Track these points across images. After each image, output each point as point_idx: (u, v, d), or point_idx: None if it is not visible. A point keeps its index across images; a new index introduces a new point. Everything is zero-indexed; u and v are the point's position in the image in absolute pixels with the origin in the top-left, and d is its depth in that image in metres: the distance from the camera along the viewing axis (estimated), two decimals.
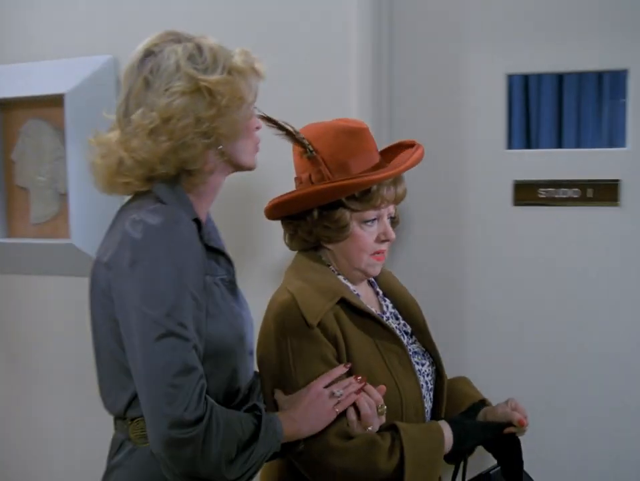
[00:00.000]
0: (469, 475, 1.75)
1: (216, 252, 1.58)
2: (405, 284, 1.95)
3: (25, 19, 2.61)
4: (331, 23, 2.23)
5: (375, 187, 1.66)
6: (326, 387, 1.59)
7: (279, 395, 1.63)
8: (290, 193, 1.74)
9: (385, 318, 1.79)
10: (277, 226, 1.82)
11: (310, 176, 1.71)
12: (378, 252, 1.74)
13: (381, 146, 1.85)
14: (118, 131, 1.52)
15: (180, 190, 1.51)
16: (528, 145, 2.78)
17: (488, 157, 2.30)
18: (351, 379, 1.61)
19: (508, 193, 2.29)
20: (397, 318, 1.84)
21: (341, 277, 1.76)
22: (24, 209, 2.68)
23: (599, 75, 2.65)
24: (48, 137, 2.61)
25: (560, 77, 2.70)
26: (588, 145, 2.75)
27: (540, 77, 2.68)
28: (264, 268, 2.34)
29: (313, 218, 1.71)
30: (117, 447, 1.56)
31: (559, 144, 2.78)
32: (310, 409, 1.56)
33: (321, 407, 1.57)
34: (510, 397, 1.79)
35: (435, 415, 1.81)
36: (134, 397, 1.46)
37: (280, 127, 1.71)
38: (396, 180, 1.70)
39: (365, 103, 2.22)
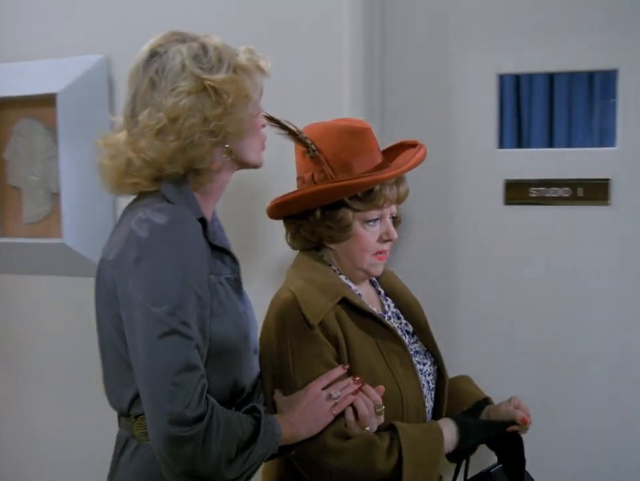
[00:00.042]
0: (470, 474, 1.76)
1: (221, 251, 1.58)
2: None
3: (17, 19, 2.60)
4: (323, 22, 2.24)
5: (377, 187, 1.67)
6: (324, 388, 1.59)
7: (278, 396, 1.64)
8: (292, 193, 1.74)
9: (386, 318, 1.79)
10: (279, 226, 1.83)
11: (312, 175, 1.71)
12: (380, 252, 1.75)
13: None
14: (125, 132, 1.52)
15: (186, 189, 1.51)
16: (519, 144, 2.79)
17: (479, 156, 2.31)
18: (349, 380, 1.61)
19: (499, 192, 2.31)
20: (398, 318, 1.85)
21: (342, 277, 1.76)
22: (16, 208, 2.67)
23: (590, 75, 2.67)
24: (40, 137, 2.60)
25: (551, 77, 2.71)
26: (579, 144, 2.76)
27: (531, 77, 2.70)
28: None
29: (316, 217, 1.71)
30: (122, 445, 1.57)
31: (550, 144, 2.80)
32: (307, 412, 1.57)
33: (318, 410, 1.57)
34: (513, 395, 1.80)
35: (437, 414, 1.81)
36: (138, 394, 1.46)
37: (283, 126, 1.71)
38: (398, 179, 1.71)
39: (356, 105, 2.22)
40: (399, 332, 1.78)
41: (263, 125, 1.60)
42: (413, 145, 1.81)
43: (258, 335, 1.68)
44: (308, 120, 1.79)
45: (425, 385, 1.77)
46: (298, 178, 1.78)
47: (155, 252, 1.39)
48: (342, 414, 1.61)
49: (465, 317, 2.36)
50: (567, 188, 2.24)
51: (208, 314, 1.46)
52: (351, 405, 1.61)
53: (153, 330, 1.36)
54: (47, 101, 2.50)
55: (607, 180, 2.21)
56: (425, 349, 1.84)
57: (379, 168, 1.71)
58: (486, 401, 1.84)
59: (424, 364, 1.79)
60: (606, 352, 2.24)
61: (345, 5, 2.22)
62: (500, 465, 1.73)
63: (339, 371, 1.62)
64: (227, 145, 1.52)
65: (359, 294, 1.77)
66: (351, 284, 1.77)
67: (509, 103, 2.71)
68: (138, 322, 1.39)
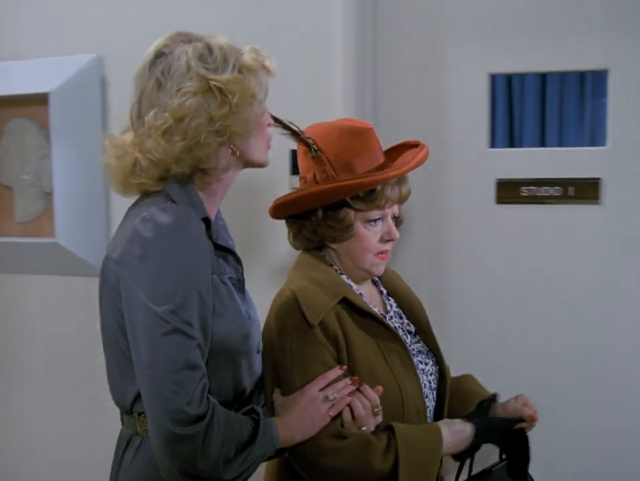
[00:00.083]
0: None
1: (224, 251, 1.59)
2: None
3: (9, 18, 2.59)
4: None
5: (379, 187, 1.67)
6: (321, 389, 1.60)
7: (276, 397, 1.64)
8: (294, 193, 1.74)
9: (388, 318, 1.80)
10: (281, 225, 1.83)
11: (314, 175, 1.72)
12: (382, 252, 1.75)
13: None
14: (132, 132, 1.52)
15: (191, 189, 1.52)
16: (510, 144, 2.81)
17: (471, 155, 2.33)
18: (346, 380, 1.61)
19: (491, 191, 2.32)
20: (400, 318, 1.85)
21: (344, 277, 1.76)
22: (8, 208, 2.66)
23: (581, 75, 2.69)
24: (32, 136, 2.59)
25: (542, 77, 2.73)
26: (570, 144, 2.78)
27: (522, 76, 2.72)
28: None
29: (318, 217, 1.71)
30: (125, 443, 1.57)
31: (542, 143, 2.81)
32: (304, 415, 1.57)
33: (314, 412, 1.58)
34: (520, 393, 1.80)
35: (438, 414, 1.81)
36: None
37: (286, 126, 1.71)
38: (400, 180, 1.71)
39: (348, 105, 2.23)
40: (401, 332, 1.79)
41: (269, 125, 1.61)
42: (415, 145, 1.81)
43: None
44: (306, 120, 1.79)
45: (427, 384, 1.77)
46: (300, 178, 1.79)
47: (159, 252, 1.39)
48: (339, 414, 1.61)
49: (457, 316, 2.37)
50: (558, 187, 2.26)
51: (211, 314, 1.46)
52: (348, 405, 1.61)
53: (156, 328, 1.36)
54: (40, 100, 2.48)
55: (598, 179, 2.23)
56: (427, 348, 1.83)
57: (381, 168, 1.71)
58: (493, 399, 1.82)
59: (426, 364, 1.79)
60: (599, 350, 2.25)
61: (338, 6, 2.22)
62: (502, 464, 1.73)
63: (336, 372, 1.62)
64: (233, 145, 1.52)
65: (361, 294, 1.77)
66: (352, 284, 1.77)
67: (501, 102, 2.73)
68: (141, 320, 1.39)
